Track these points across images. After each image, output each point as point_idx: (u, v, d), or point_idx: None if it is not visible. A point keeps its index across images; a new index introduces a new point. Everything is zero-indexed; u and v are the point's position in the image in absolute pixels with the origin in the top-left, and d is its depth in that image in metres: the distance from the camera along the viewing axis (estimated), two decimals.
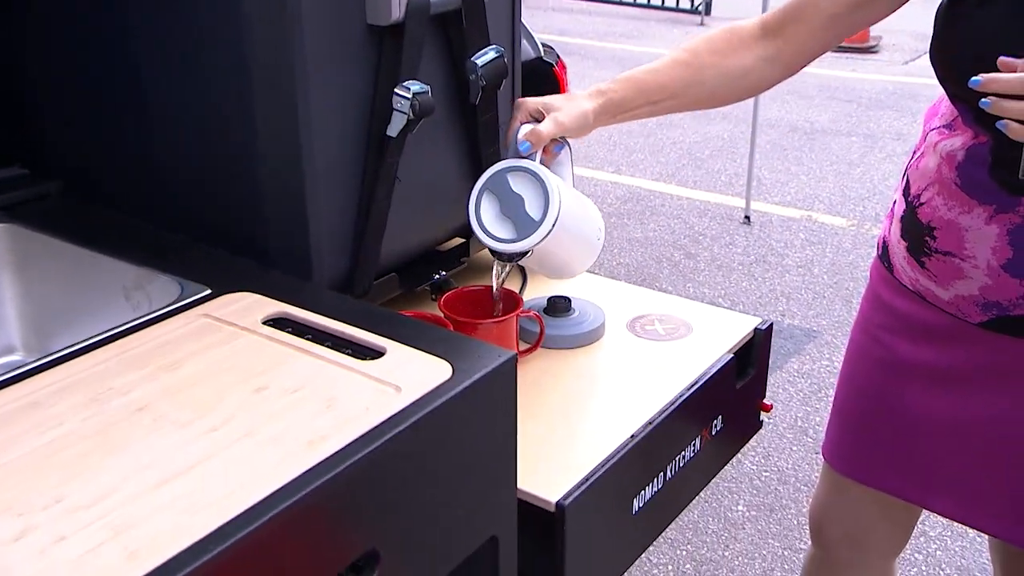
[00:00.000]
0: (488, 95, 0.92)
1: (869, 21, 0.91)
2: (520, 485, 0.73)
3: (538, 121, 0.86)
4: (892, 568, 1.16)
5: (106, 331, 0.69)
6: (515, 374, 0.68)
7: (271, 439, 0.58)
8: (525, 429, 0.76)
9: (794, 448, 2.02)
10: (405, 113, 0.82)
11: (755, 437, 1.08)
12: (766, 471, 1.95)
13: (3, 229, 0.87)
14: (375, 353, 0.67)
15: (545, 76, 1.71)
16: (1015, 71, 0.73)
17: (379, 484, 0.59)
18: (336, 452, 0.56)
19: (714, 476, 1.00)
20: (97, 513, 0.51)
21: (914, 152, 0.96)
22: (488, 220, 0.83)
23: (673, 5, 6.87)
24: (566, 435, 0.83)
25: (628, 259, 2.90)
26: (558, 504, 0.74)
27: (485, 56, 0.89)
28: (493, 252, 0.84)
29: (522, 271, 1.07)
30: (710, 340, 0.97)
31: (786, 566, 1.70)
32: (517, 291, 1.01)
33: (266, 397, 0.62)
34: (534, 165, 0.83)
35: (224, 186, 0.85)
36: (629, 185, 3.54)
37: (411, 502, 0.61)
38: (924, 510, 1.05)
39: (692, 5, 6.74)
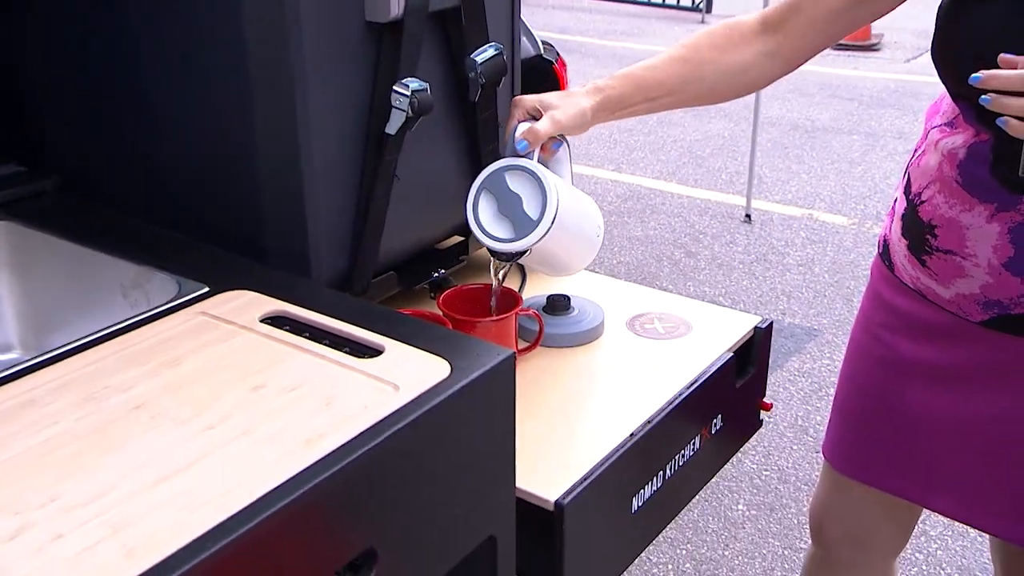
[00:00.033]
0: (487, 93, 0.92)
1: (870, 17, 0.91)
2: (519, 484, 0.72)
3: (535, 119, 0.86)
4: (893, 567, 1.16)
5: (103, 329, 0.69)
6: (513, 372, 0.68)
7: (269, 437, 0.58)
8: (524, 428, 0.75)
9: (795, 447, 2.02)
10: (404, 111, 0.82)
11: (756, 436, 1.08)
12: (766, 470, 1.95)
13: (0, 227, 0.87)
14: (373, 351, 0.67)
15: (545, 74, 1.71)
16: (1016, 68, 0.73)
17: (377, 483, 0.59)
18: (334, 450, 0.56)
19: (714, 475, 1.00)
20: (95, 511, 0.51)
21: (915, 150, 0.96)
22: (486, 219, 0.83)
23: (674, 3, 6.86)
24: (565, 434, 0.82)
25: (628, 258, 2.90)
26: (557, 503, 0.73)
27: (484, 53, 0.88)
28: (491, 251, 0.84)
29: (521, 269, 1.06)
30: (710, 339, 0.96)
31: (786, 565, 1.69)
32: (516, 289, 1.01)
33: (264, 395, 0.62)
34: (531, 164, 0.83)
35: (223, 185, 0.85)
36: (630, 183, 3.53)
37: (409, 501, 0.61)
38: (925, 509, 1.04)
39: (693, 3, 6.73)
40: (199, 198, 0.87)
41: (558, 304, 0.98)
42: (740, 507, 1.84)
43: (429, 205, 0.95)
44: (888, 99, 4.57)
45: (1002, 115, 0.74)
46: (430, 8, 0.84)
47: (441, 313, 0.88)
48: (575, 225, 0.86)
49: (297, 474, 0.54)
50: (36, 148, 0.98)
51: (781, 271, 2.82)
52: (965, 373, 0.94)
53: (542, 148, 0.86)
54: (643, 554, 1.66)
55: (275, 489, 0.53)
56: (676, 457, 0.88)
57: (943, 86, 0.88)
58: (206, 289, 0.74)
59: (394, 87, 0.82)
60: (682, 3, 6.83)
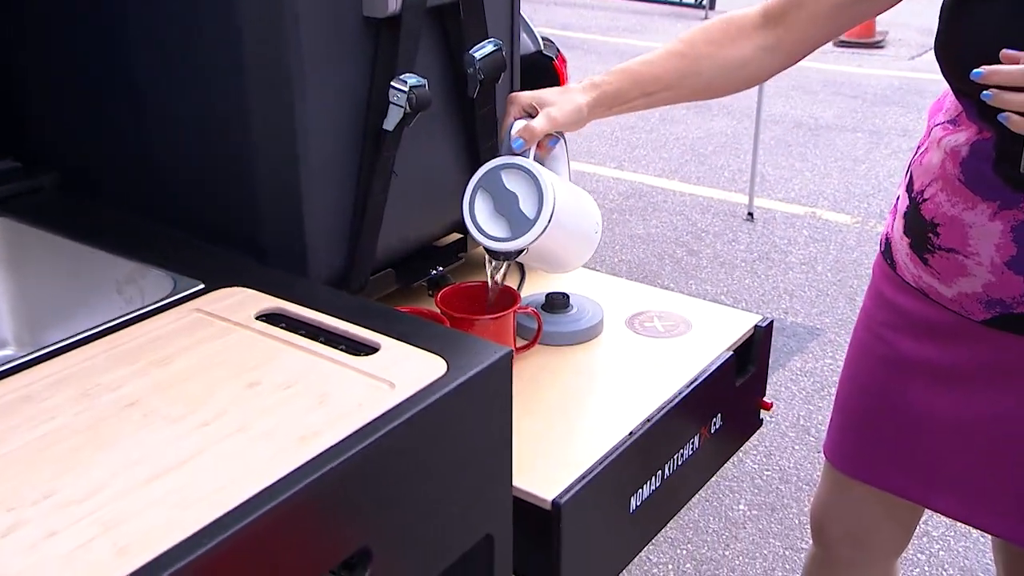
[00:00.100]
0: (486, 89, 0.91)
1: (872, 12, 0.90)
2: (516, 483, 0.72)
3: (531, 116, 0.85)
4: (894, 568, 1.16)
5: (98, 326, 0.68)
6: (510, 370, 0.67)
7: (263, 434, 0.57)
8: (522, 426, 0.75)
9: (796, 447, 2.01)
10: (401, 107, 0.81)
11: (757, 436, 1.08)
12: (768, 470, 1.94)
13: None
14: (369, 349, 0.67)
15: (545, 70, 1.71)
16: (1018, 63, 0.72)
17: (372, 481, 0.58)
18: (328, 448, 0.56)
19: (713, 475, 0.99)
20: (88, 508, 0.51)
21: (918, 148, 0.95)
22: (482, 218, 0.82)
23: None
24: (563, 432, 0.82)
25: (630, 256, 2.89)
26: (554, 502, 0.73)
27: (483, 49, 0.88)
28: (487, 250, 0.84)
29: (521, 267, 1.06)
30: (710, 337, 0.96)
31: (787, 566, 1.69)
32: (515, 287, 1.00)
33: (258, 392, 0.62)
34: (528, 162, 0.82)
35: (221, 184, 0.84)
36: (631, 181, 3.53)
37: (405, 499, 0.61)
38: (927, 510, 1.04)
39: None
40: (197, 196, 0.87)
41: (557, 302, 0.97)
42: (741, 507, 1.83)
43: (427, 202, 0.95)
44: (892, 96, 4.55)
45: (1004, 111, 0.74)
46: (428, 3, 0.83)
47: (439, 311, 0.87)
48: (572, 223, 0.86)
49: (291, 472, 0.54)
50: (34, 146, 0.98)
51: (783, 270, 2.81)
52: (968, 372, 0.93)
53: (539, 145, 0.85)
54: (643, 554, 1.66)
55: (269, 487, 0.53)
56: (675, 456, 0.88)
57: (947, 83, 0.87)
58: (202, 286, 0.74)
59: (392, 83, 0.81)
60: (685, 0, 6.81)
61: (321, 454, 0.55)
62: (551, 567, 0.75)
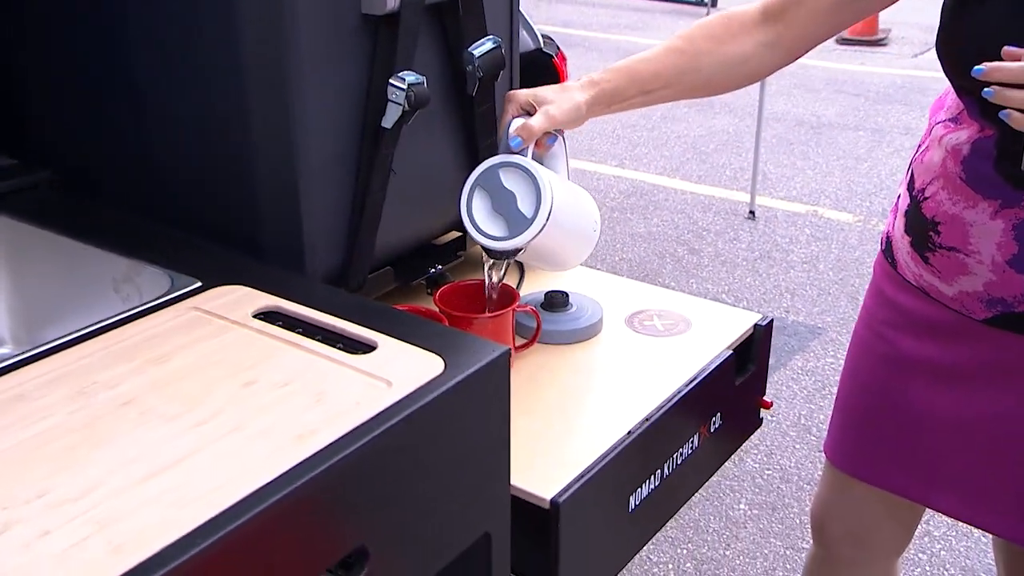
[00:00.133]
0: (485, 86, 0.91)
1: (873, 9, 0.90)
2: (515, 481, 0.72)
3: (529, 114, 0.85)
4: (895, 567, 1.15)
5: (94, 324, 0.68)
6: (508, 369, 0.67)
7: (260, 433, 0.57)
8: (521, 425, 0.75)
9: (797, 446, 2.01)
10: (400, 104, 0.81)
11: (757, 435, 1.07)
12: (768, 469, 1.94)
13: None
14: (366, 347, 0.66)
15: (545, 67, 1.70)
16: (1019, 60, 0.72)
17: (369, 480, 0.58)
18: (325, 447, 0.56)
19: (713, 474, 0.99)
20: (82, 507, 0.51)
21: (919, 146, 0.95)
22: (480, 217, 0.82)
23: None
24: (562, 431, 0.82)
25: (631, 254, 2.89)
26: (552, 501, 0.73)
27: (482, 47, 0.88)
28: (485, 249, 0.83)
29: (520, 265, 1.06)
30: (709, 336, 0.96)
31: (788, 565, 1.69)
32: (514, 285, 1.00)
33: (255, 391, 0.61)
34: (525, 161, 0.82)
35: (220, 183, 0.84)
36: (632, 179, 3.52)
37: (402, 498, 0.61)
38: (928, 509, 1.04)
39: None
40: (196, 195, 0.87)
41: (556, 301, 0.97)
42: (742, 506, 1.83)
43: (426, 200, 0.94)
44: (895, 95, 4.54)
45: (1005, 108, 0.74)
46: (427, 0, 0.83)
47: (437, 309, 0.87)
48: (570, 221, 0.85)
49: (287, 470, 0.54)
50: (34, 146, 0.98)
51: (785, 268, 2.81)
52: (968, 371, 0.93)
53: (537, 143, 0.85)
54: (643, 553, 1.65)
55: (265, 485, 0.52)
56: (674, 455, 0.87)
57: (948, 81, 0.87)
58: (199, 284, 0.74)
59: (390, 80, 0.81)
60: None
61: (318, 452, 0.55)
62: (549, 566, 0.74)
